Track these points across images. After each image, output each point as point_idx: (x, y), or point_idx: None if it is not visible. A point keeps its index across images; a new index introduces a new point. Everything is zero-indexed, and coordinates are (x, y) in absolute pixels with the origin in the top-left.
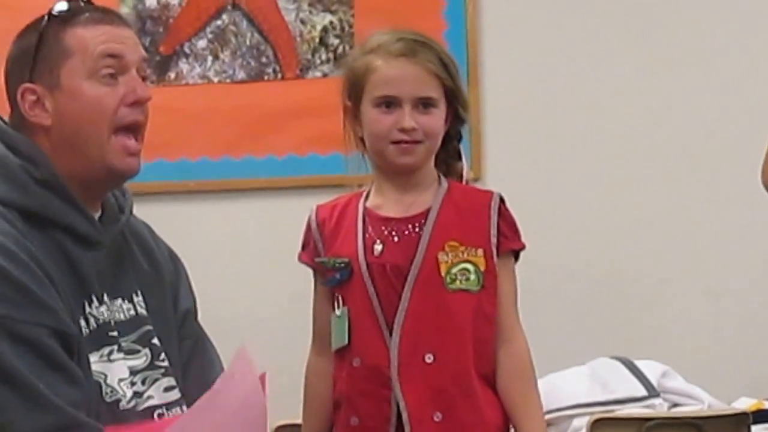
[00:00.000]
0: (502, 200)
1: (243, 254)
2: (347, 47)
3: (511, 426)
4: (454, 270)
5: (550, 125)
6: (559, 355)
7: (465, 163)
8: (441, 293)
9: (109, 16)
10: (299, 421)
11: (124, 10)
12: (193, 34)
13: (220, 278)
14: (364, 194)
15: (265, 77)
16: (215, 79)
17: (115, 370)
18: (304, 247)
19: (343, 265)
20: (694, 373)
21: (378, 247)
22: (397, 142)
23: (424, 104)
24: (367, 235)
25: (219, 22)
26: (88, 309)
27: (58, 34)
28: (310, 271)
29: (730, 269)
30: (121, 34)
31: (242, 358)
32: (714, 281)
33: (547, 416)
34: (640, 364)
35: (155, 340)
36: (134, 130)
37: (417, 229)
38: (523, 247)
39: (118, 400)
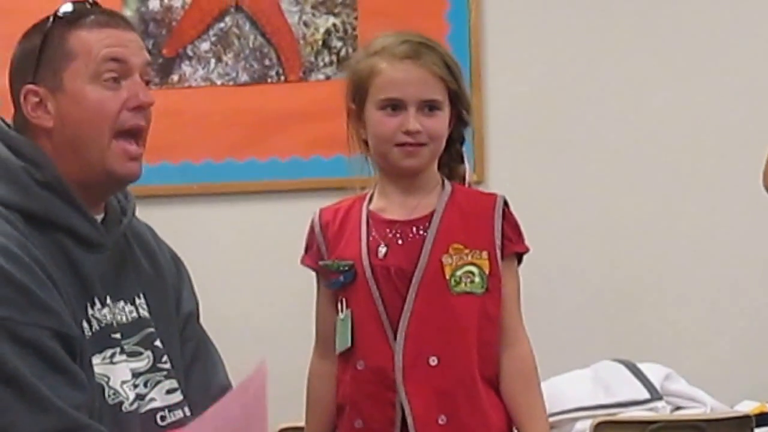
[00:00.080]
0: (506, 203)
1: (246, 257)
2: (350, 50)
3: (514, 429)
4: (459, 273)
5: (552, 128)
6: (561, 358)
7: (467, 165)
8: (445, 296)
9: (115, 20)
10: (302, 423)
11: (127, 13)
12: (196, 36)
13: (223, 281)
14: (368, 197)
15: (268, 80)
16: (218, 82)
17: (117, 373)
18: (307, 250)
19: (347, 267)
20: (696, 376)
21: (382, 250)
22: (401, 145)
23: (429, 107)
24: (371, 238)
25: (222, 25)
26: (90, 311)
27: (63, 36)
28: (313, 274)
29: (732, 272)
30: (126, 37)
31: (261, 372)
32: (717, 284)
33: (550, 419)
34: (643, 367)
35: (158, 343)
36: (136, 134)
37: (421, 232)
38: (526, 250)
39: (121, 403)
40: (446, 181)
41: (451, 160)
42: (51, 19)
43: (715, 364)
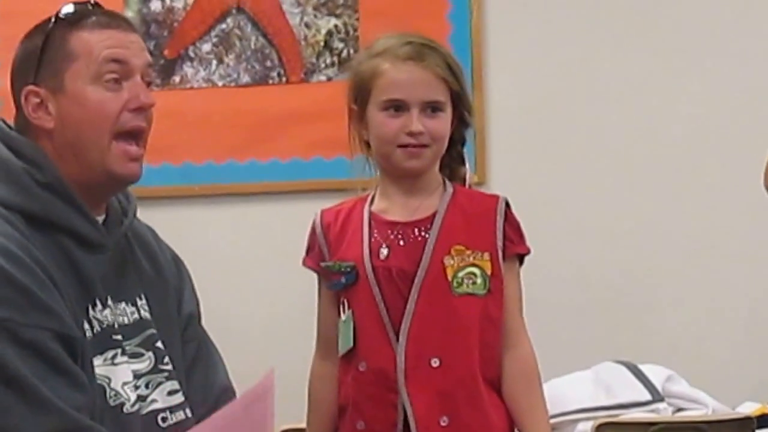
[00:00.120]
0: (507, 204)
1: (247, 258)
2: (352, 51)
3: (516, 430)
4: (461, 274)
5: (554, 129)
6: (563, 360)
7: (468, 167)
8: (447, 297)
9: (116, 21)
10: (303, 425)
11: (129, 14)
12: (197, 37)
13: (224, 282)
14: (369, 198)
15: (270, 81)
16: (220, 83)
17: (118, 374)
18: (308, 251)
19: (348, 269)
20: (698, 377)
21: (384, 251)
22: (404, 146)
23: (432, 108)
24: (372, 239)
25: (224, 26)
26: (91, 312)
27: (64, 37)
28: (315, 276)
29: (734, 274)
30: (127, 39)
31: (267, 382)
32: (718, 286)
33: (551, 421)
34: (645, 368)
35: (159, 344)
36: (136, 136)
37: (423, 233)
38: (528, 252)
39: (122, 404)
40: (448, 183)
41: (451, 162)
42: (52, 20)
43: (716, 365)
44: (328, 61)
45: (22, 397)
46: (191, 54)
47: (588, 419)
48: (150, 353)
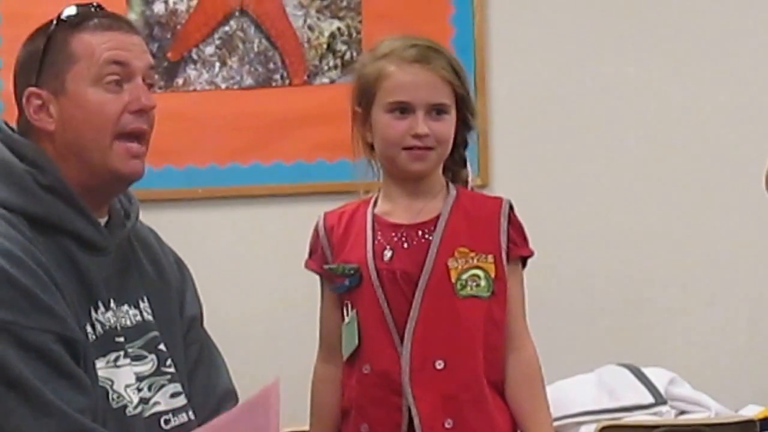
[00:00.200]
0: (511, 207)
1: (250, 260)
2: (355, 53)
3: None
4: (465, 276)
5: (557, 132)
6: (566, 362)
7: (470, 169)
8: (451, 299)
9: (118, 23)
10: (306, 428)
11: (132, 16)
12: (200, 40)
13: (226, 284)
14: (372, 201)
15: (273, 83)
16: (223, 86)
17: (121, 376)
18: (311, 254)
19: (352, 271)
20: (701, 380)
21: (387, 254)
22: (409, 148)
23: (437, 111)
24: (376, 242)
25: (227, 28)
26: (94, 315)
27: (66, 39)
28: (317, 278)
29: (737, 276)
30: (129, 41)
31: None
32: (721, 289)
33: (555, 423)
34: (647, 371)
35: (162, 346)
36: (138, 137)
37: (427, 236)
38: (531, 254)
39: (125, 406)
40: (451, 185)
41: (454, 164)
42: (54, 22)
43: (719, 368)
44: (331, 63)
45: (24, 400)
46: (194, 56)
47: (591, 422)
48: (153, 356)
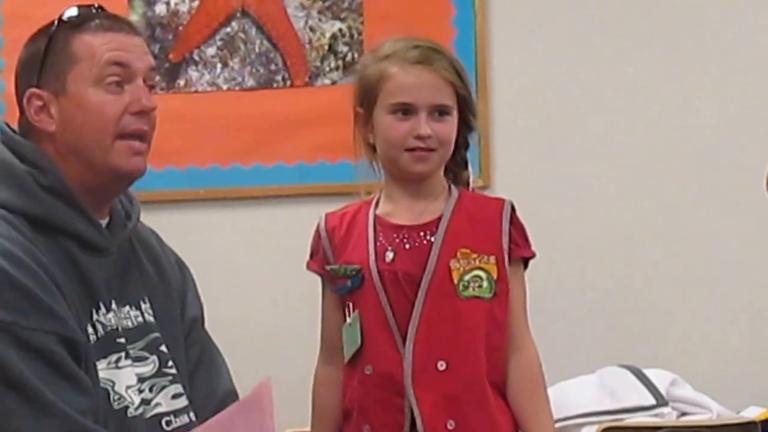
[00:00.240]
0: (513, 208)
1: (251, 262)
2: (356, 55)
3: None
4: (467, 277)
5: (558, 133)
6: (567, 364)
7: (471, 171)
8: (453, 300)
9: (119, 24)
10: (307, 429)
11: (134, 18)
12: (202, 41)
13: (228, 285)
14: (374, 202)
15: (275, 85)
16: (224, 87)
17: (122, 378)
18: (312, 255)
19: (354, 272)
20: (702, 381)
21: (389, 255)
22: (411, 150)
23: (439, 112)
24: (378, 243)
25: (228, 30)
26: (95, 316)
27: (67, 40)
28: (318, 279)
29: (739, 278)
30: (130, 42)
31: (264, 390)
32: (723, 290)
33: (557, 425)
34: (649, 372)
35: (163, 348)
36: (140, 137)
37: (429, 237)
38: (533, 255)
39: (126, 408)
40: (452, 186)
41: (455, 166)
42: (56, 22)
43: (720, 369)
44: (333, 64)
45: (25, 401)
46: (196, 58)
47: (592, 423)
48: (154, 357)
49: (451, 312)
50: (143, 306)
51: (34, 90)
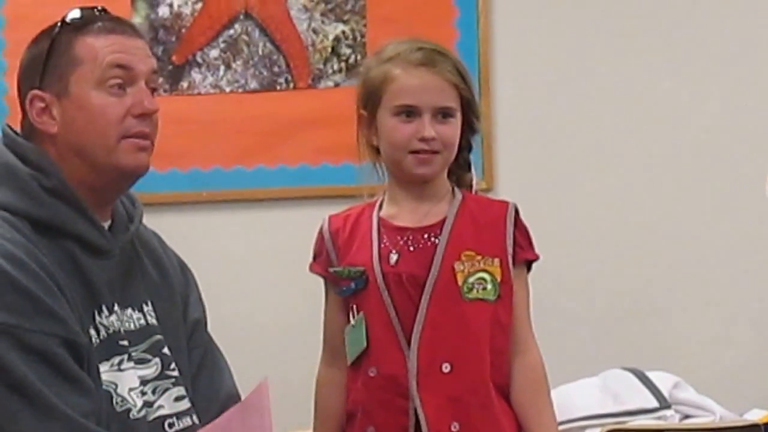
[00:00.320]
0: (517, 211)
1: (254, 264)
2: (359, 57)
3: None
4: (471, 279)
5: (562, 135)
6: (570, 366)
7: (474, 173)
8: (458, 303)
9: (122, 26)
10: (310, 431)
11: (137, 20)
12: (205, 43)
13: (230, 288)
14: (378, 204)
15: (277, 87)
16: (227, 89)
17: (125, 380)
18: (316, 257)
19: (358, 274)
20: (705, 384)
21: (393, 257)
22: (415, 152)
23: (443, 114)
24: (382, 245)
25: (231, 32)
26: (98, 318)
27: (69, 42)
28: (321, 282)
29: (742, 280)
30: (132, 44)
31: (261, 391)
32: (725, 293)
33: (559, 427)
34: (652, 375)
35: (165, 350)
36: (142, 137)
37: (433, 239)
38: (537, 258)
39: (129, 410)
40: (456, 189)
41: (458, 168)
42: (58, 25)
43: (724, 372)
44: (336, 67)
45: (28, 403)
46: (199, 60)
47: (595, 426)
48: (156, 359)
49: (456, 314)
50: (146, 308)
51: (36, 92)
